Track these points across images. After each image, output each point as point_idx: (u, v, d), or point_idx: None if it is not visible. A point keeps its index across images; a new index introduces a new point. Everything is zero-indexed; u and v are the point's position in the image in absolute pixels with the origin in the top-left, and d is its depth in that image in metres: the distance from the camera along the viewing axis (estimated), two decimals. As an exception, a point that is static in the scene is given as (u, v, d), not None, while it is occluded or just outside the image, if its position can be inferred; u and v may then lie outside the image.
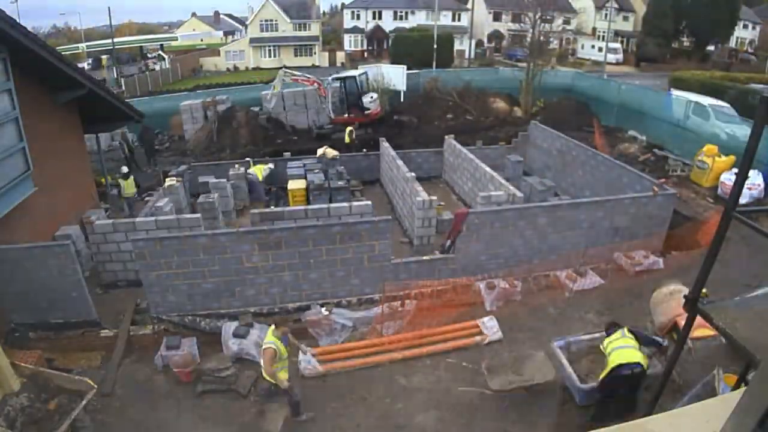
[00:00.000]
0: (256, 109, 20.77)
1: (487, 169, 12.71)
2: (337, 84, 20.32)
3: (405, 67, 24.14)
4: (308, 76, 20.74)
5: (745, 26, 52.77)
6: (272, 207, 12.95)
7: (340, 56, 52.59)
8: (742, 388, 2.02)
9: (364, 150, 16.86)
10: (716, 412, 2.00)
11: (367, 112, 20.09)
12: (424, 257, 9.78)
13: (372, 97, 20.31)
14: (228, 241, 8.50)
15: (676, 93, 18.79)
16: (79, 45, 53.58)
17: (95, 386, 6.19)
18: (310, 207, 11.28)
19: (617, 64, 45.64)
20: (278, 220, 10.40)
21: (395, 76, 22.98)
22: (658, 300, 7.68)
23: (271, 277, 8.90)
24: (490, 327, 8.62)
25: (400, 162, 13.21)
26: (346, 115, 20.07)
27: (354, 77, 20.49)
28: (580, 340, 7.36)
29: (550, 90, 23.52)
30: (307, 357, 7.78)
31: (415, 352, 8.25)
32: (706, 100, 16.86)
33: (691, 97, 17.28)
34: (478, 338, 8.46)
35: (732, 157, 13.25)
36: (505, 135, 18.87)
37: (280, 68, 23.03)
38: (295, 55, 52.22)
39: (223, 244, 8.50)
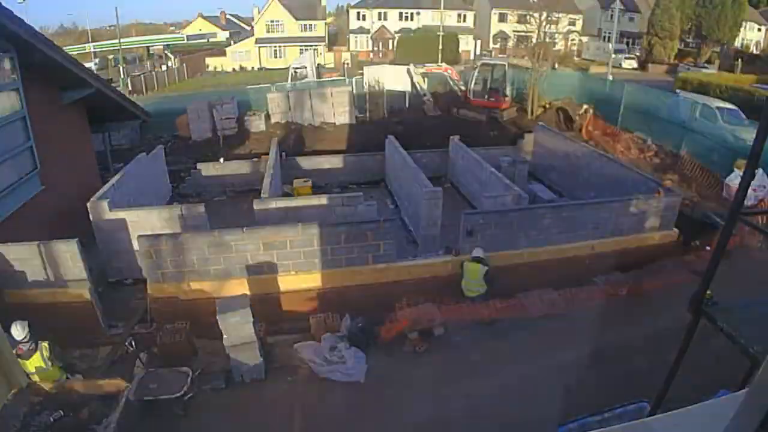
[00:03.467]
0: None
1: (492, 169, 12.70)
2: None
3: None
4: (441, 64, 22.33)
5: (751, 28, 52.42)
6: None
7: (345, 56, 52.63)
8: (745, 389, 2.02)
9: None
10: (719, 413, 2.00)
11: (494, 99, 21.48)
12: (428, 258, 9.79)
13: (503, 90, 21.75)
14: (233, 240, 8.55)
15: None
16: (86, 45, 53.92)
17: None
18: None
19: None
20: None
21: (400, 77, 22.88)
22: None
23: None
24: None
25: (412, 162, 13.22)
26: (486, 99, 21.51)
27: (499, 66, 22.17)
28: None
29: (555, 91, 23.43)
30: None
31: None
32: None
33: None
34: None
35: None
36: (511, 136, 18.82)
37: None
38: (300, 55, 52.26)
39: (229, 242, 8.54)
